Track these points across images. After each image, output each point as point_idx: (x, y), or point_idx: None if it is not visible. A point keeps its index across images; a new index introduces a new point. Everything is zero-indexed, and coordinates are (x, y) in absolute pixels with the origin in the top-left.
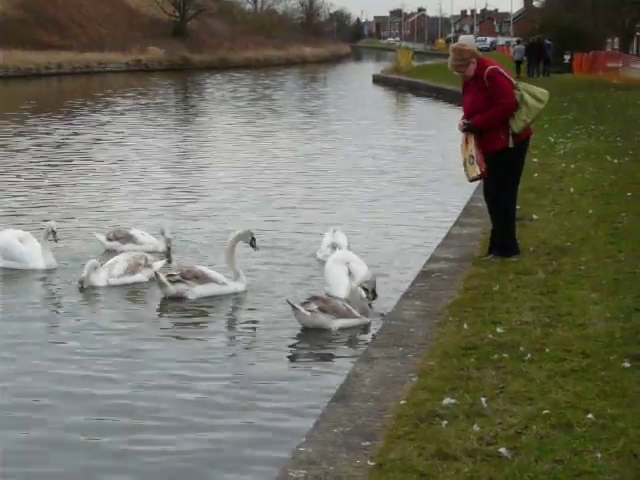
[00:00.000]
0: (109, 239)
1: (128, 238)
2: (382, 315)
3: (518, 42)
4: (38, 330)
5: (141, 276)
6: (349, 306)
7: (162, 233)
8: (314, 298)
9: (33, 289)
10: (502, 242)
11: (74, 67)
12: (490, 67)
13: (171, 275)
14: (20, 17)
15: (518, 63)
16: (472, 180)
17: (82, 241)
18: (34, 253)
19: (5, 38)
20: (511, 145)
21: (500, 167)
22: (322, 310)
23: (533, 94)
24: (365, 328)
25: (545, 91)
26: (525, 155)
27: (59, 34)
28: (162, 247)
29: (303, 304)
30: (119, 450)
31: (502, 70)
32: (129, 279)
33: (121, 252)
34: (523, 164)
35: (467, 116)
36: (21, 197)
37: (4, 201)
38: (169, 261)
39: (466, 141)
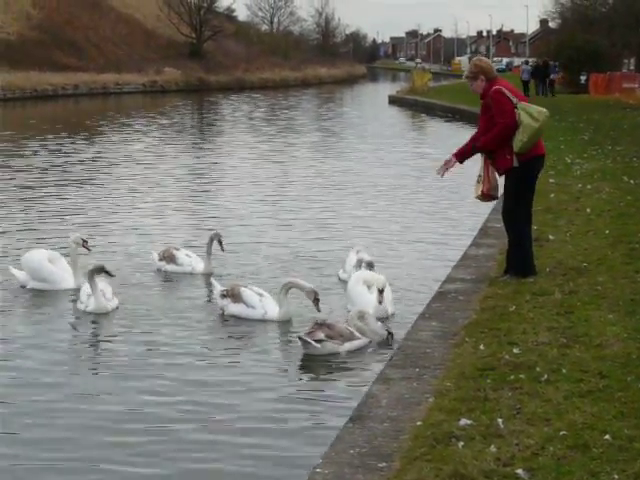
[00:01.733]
0: (160, 259)
1: (171, 258)
2: (390, 335)
3: (526, 63)
4: (69, 350)
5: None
6: (351, 328)
7: (212, 240)
8: (319, 325)
9: (64, 309)
10: (518, 262)
11: (91, 88)
12: (494, 87)
13: (223, 290)
14: (37, 38)
15: (526, 83)
16: (477, 198)
17: (108, 259)
18: (64, 273)
19: (22, 59)
20: (516, 164)
21: (511, 186)
22: (329, 337)
23: (529, 113)
24: (381, 349)
25: (543, 110)
26: (535, 175)
27: (76, 55)
28: (200, 269)
29: (309, 333)
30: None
31: (505, 90)
32: (115, 303)
33: (164, 272)
34: (533, 184)
35: (480, 135)
36: (48, 215)
37: (31, 219)
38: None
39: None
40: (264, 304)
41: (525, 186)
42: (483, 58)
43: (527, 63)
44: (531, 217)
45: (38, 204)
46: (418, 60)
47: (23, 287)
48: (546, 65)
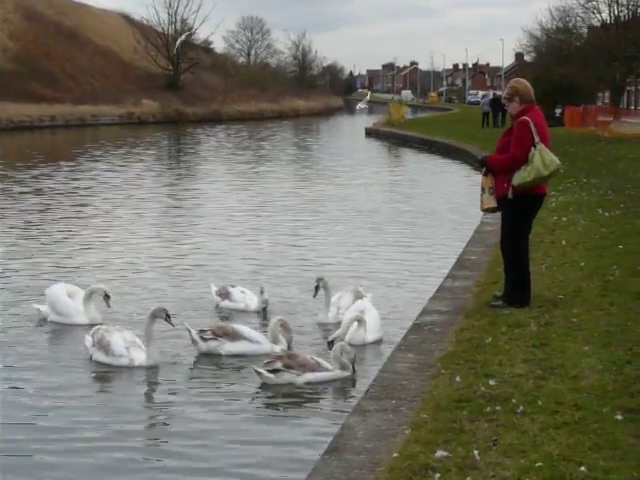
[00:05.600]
0: (218, 294)
1: (227, 295)
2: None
3: (483, 97)
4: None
5: None
6: (319, 360)
7: (262, 292)
8: (280, 356)
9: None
10: (511, 292)
11: (67, 120)
12: (524, 117)
13: (202, 332)
14: (14, 70)
15: (485, 114)
16: (484, 210)
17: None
18: (80, 308)
19: None
20: (510, 196)
21: (506, 216)
22: (287, 367)
23: (543, 159)
24: (353, 381)
25: (557, 161)
26: (531, 212)
27: (53, 87)
28: (254, 306)
29: (267, 363)
30: None
31: (532, 124)
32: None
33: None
34: (528, 220)
35: (497, 151)
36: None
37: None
38: (264, 317)
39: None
40: (265, 339)
41: (520, 220)
42: (521, 80)
43: (484, 97)
44: (528, 248)
45: (14, 234)
46: (407, 91)
47: (44, 320)
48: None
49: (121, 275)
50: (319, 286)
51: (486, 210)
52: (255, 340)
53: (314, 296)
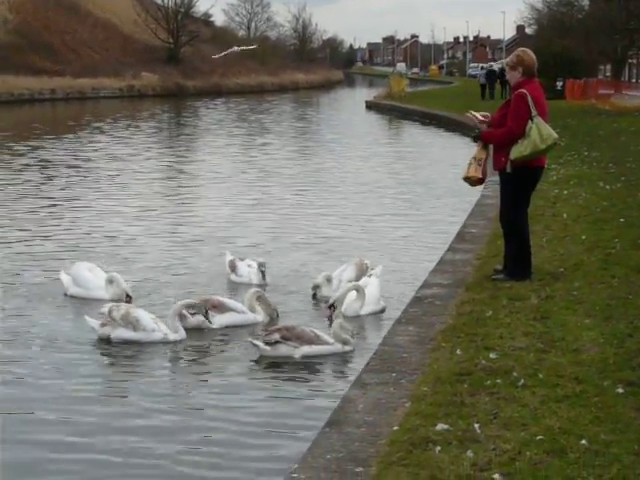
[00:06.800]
0: (229, 266)
1: (233, 268)
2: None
3: (481, 68)
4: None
5: None
6: (319, 332)
7: (260, 269)
8: (278, 328)
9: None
10: (511, 265)
11: (67, 93)
12: (520, 90)
13: (190, 306)
14: (14, 43)
15: (483, 86)
16: (465, 179)
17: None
18: (99, 282)
19: None
20: (508, 170)
21: (505, 190)
22: (285, 338)
23: (541, 132)
24: (354, 354)
25: (554, 135)
26: (530, 186)
27: (53, 60)
28: (256, 280)
29: (266, 335)
30: None
31: (529, 97)
32: None
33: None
34: (527, 193)
35: (493, 125)
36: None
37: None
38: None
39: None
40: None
41: (519, 193)
42: (528, 51)
43: (482, 69)
44: (527, 220)
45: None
46: (402, 64)
47: (65, 295)
48: (502, 70)
49: (129, 245)
50: (316, 293)
51: (464, 179)
52: (241, 310)
53: (313, 300)
